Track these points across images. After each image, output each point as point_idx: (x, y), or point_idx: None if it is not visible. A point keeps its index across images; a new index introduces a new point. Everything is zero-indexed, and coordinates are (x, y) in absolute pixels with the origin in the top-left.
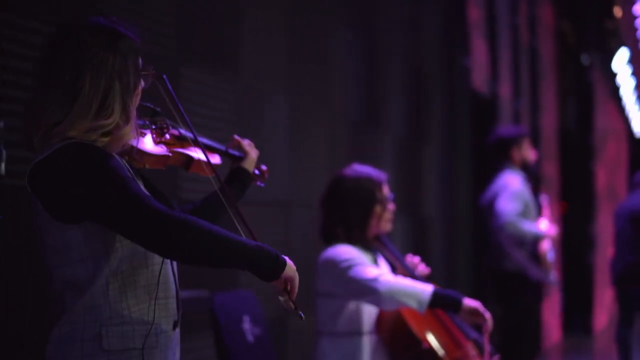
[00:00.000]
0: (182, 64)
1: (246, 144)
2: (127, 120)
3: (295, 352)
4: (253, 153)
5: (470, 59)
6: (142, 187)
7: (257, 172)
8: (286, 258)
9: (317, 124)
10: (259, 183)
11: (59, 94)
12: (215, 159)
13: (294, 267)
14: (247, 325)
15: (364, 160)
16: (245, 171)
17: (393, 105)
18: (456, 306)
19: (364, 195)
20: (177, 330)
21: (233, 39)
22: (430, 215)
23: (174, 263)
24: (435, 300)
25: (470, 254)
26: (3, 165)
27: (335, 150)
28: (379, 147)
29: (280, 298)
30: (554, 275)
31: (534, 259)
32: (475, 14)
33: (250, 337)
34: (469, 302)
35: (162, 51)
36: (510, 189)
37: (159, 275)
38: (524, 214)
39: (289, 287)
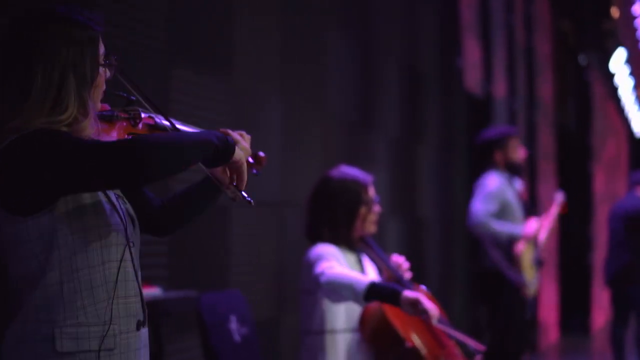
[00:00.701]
0: (174, 65)
1: (237, 133)
2: (85, 114)
3: (287, 351)
4: (244, 142)
5: (463, 60)
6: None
7: (251, 160)
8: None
9: (311, 125)
10: (253, 171)
11: (12, 90)
12: None
13: (242, 152)
14: (234, 325)
15: (358, 161)
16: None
17: (387, 105)
18: (395, 298)
19: (350, 197)
20: (144, 330)
21: (226, 39)
22: (425, 215)
23: (135, 260)
24: (372, 292)
25: (466, 254)
26: None
27: (329, 150)
28: (374, 148)
29: (227, 191)
30: (523, 277)
31: (509, 260)
32: (468, 14)
33: (237, 337)
34: (409, 294)
35: (153, 53)
36: (486, 189)
37: (117, 273)
38: (502, 214)
39: (234, 175)
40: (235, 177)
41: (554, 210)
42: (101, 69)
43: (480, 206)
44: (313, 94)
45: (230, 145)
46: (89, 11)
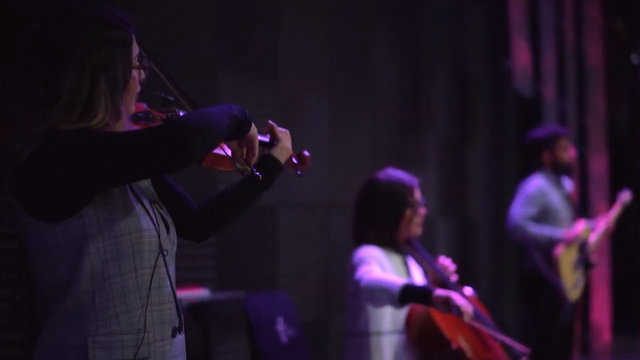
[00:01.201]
0: (221, 69)
1: (280, 130)
2: (117, 118)
3: (334, 353)
4: (286, 141)
5: (511, 61)
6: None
7: (294, 160)
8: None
9: (358, 127)
10: (298, 172)
11: (40, 95)
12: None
13: (255, 128)
14: (280, 326)
15: (407, 162)
16: (272, 159)
17: (436, 106)
18: (427, 298)
19: (395, 199)
20: (180, 337)
21: (273, 43)
22: (475, 216)
23: (170, 266)
24: (405, 294)
25: (516, 255)
26: None
27: (377, 152)
28: (423, 149)
29: (237, 165)
30: (561, 281)
31: (549, 263)
32: (516, 15)
33: (284, 338)
34: (440, 292)
35: (200, 57)
36: (525, 192)
37: (151, 280)
38: (544, 217)
39: (245, 150)
40: (247, 150)
41: (614, 211)
42: (135, 71)
43: (519, 209)
44: (360, 96)
45: (248, 118)
46: (120, 11)
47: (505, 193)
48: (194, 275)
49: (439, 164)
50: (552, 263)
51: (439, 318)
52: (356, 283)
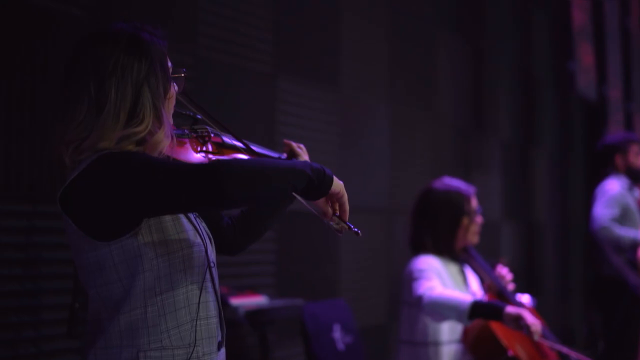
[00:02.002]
0: (280, 76)
1: (296, 146)
2: (160, 125)
3: None
4: (304, 156)
5: (575, 63)
6: None
7: None
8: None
9: (420, 131)
10: None
11: (85, 107)
12: None
13: (341, 183)
14: (337, 334)
15: (470, 166)
16: None
17: (500, 110)
18: (497, 315)
19: (452, 208)
20: (222, 350)
21: (332, 49)
22: (540, 220)
23: (215, 279)
24: (475, 311)
25: (582, 259)
26: None
27: (439, 156)
28: (487, 153)
29: (331, 223)
30: None
31: (631, 266)
32: (580, 17)
33: (340, 346)
34: (511, 310)
35: (259, 64)
36: (608, 194)
37: (200, 294)
38: (623, 219)
39: (337, 206)
40: (337, 207)
41: None
42: (173, 82)
43: (603, 210)
44: (422, 100)
45: (327, 177)
46: (153, 27)
47: (570, 196)
48: (252, 281)
49: (503, 167)
50: (636, 266)
51: (496, 325)
52: (417, 298)
